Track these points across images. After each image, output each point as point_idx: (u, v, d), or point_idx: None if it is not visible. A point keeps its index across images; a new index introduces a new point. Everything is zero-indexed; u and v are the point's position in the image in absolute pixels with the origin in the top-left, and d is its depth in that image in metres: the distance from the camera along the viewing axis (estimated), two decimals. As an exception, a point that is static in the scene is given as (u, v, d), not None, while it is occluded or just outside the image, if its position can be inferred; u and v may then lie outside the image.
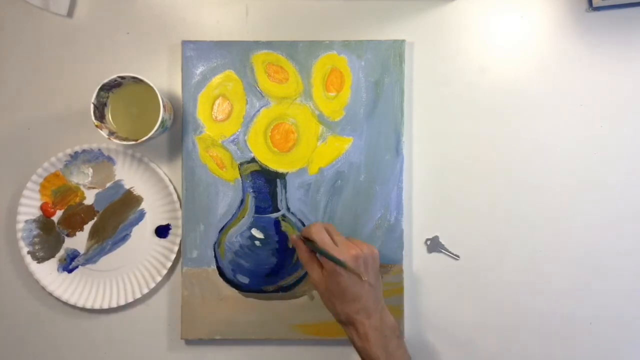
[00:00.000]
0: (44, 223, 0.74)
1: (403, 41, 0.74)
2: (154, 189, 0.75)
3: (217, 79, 0.74)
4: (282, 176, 0.74)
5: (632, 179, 0.75)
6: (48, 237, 0.74)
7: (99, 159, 0.74)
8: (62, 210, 0.75)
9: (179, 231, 0.74)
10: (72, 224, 0.75)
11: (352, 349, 0.75)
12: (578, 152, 0.75)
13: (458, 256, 0.75)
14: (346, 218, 0.74)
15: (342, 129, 0.74)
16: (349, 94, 0.74)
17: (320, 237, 0.65)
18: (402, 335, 0.66)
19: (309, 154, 0.74)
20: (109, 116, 0.71)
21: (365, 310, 0.64)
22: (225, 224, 0.74)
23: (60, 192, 0.74)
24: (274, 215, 0.74)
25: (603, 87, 0.75)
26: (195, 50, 0.74)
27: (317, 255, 0.66)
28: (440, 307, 0.75)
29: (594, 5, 0.74)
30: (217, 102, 0.74)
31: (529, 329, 0.75)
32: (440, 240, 0.75)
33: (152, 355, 0.75)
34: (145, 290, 0.74)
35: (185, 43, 0.74)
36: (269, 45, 0.74)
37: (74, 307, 0.74)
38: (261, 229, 0.74)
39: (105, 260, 0.75)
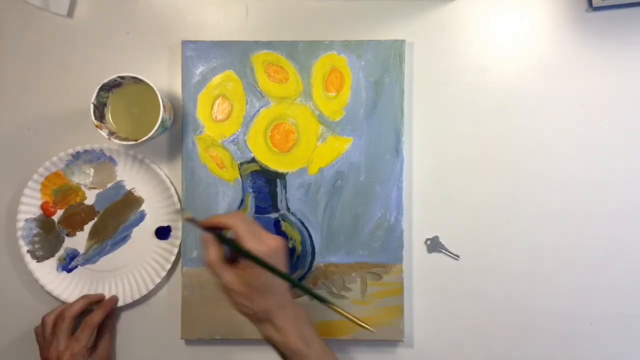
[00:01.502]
0: (44, 222, 0.74)
1: (403, 41, 0.74)
2: (154, 191, 0.75)
3: (217, 79, 0.74)
4: (282, 176, 0.74)
5: (632, 179, 0.74)
6: (48, 236, 0.74)
7: (101, 160, 0.74)
8: (63, 210, 0.75)
9: (179, 232, 0.74)
10: (73, 223, 0.75)
11: (352, 349, 0.75)
12: (578, 152, 0.75)
13: (458, 256, 0.75)
14: (346, 218, 0.74)
15: (342, 129, 0.74)
16: (349, 94, 0.74)
17: (242, 229, 0.61)
18: (311, 322, 0.65)
19: (309, 154, 0.74)
20: (109, 116, 0.71)
21: (281, 302, 0.63)
22: (225, 224, 0.74)
23: (61, 191, 0.74)
24: (274, 215, 0.74)
25: (603, 87, 0.75)
26: (195, 50, 0.74)
27: (228, 250, 0.63)
28: (440, 307, 0.75)
29: (594, 5, 0.74)
30: (217, 102, 0.74)
31: (529, 329, 0.74)
32: (440, 240, 0.75)
33: (152, 355, 0.75)
34: (145, 291, 0.74)
35: (185, 43, 0.74)
36: (269, 45, 0.74)
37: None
38: (261, 229, 0.74)
39: (105, 261, 0.75)
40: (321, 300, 0.64)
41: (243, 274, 0.61)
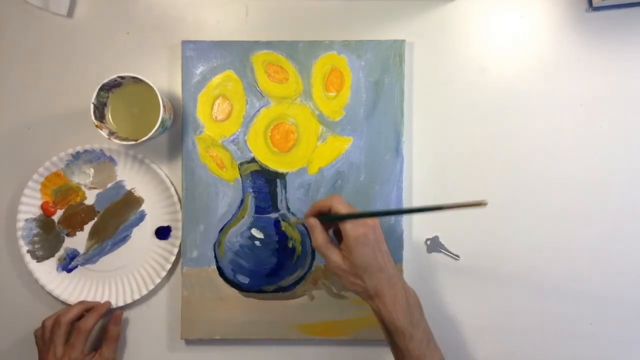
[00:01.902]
0: (44, 222, 0.74)
1: (403, 41, 0.74)
2: (155, 191, 0.75)
3: (217, 79, 0.74)
4: (282, 176, 0.74)
5: (632, 179, 0.74)
6: (48, 236, 0.74)
7: (101, 160, 0.74)
8: (63, 210, 0.75)
9: (179, 232, 0.74)
10: (73, 223, 0.75)
11: (352, 349, 0.75)
12: (578, 152, 0.75)
13: (458, 256, 0.75)
14: (346, 218, 0.74)
15: (342, 129, 0.74)
16: (349, 94, 0.74)
17: (346, 206, 0.64)
18: (421, 307, 0.66)
19: (309, 154, 0.74)
20: (109, 116, 0.71)
21: (389, 279, 0.63)
22: (225, 224, 0.74)
23: (61, 191, 0.74)
24: (274, 215, 0.74)
25: (603, 87, 0.75)
26: (195, 50, 0.74)
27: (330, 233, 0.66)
28: (440, 307, 0.75)
29: (594, 5, 0.74)
30: (217, 102, 0.74)
31: (529, 329, 0.74)
32: (440, 240, 0.75)
33: (152, 355, 0.75)
34: (145, 292, 0.74)
35: (185, 43, 0.74)
36: (269, 45, 0.74)
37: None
38: (261, 229, 0.74)
39: (105, 261, 0.75)
40: (430, 209, 0.62)
41: (348, 255, 0.63)
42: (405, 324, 0.62)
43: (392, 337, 0.64)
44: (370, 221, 0.64)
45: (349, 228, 0.63)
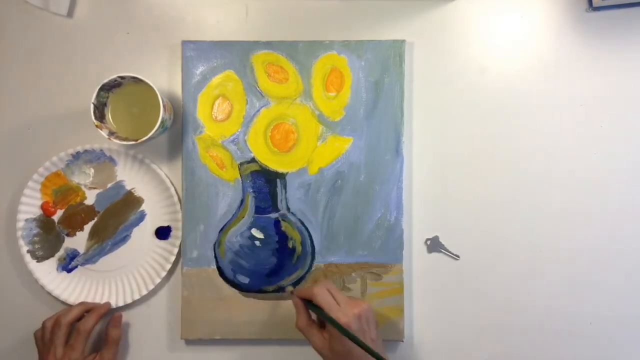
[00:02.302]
0: (44, 222, 0.74)
1: (403, 41, 0.74)
2: (155, 191, 0.75)
3: (217, 79, 0.74)
4: (282, 176, 0.74)
5: (632, 179, 0.75)
6: (48, 236, 0.74)
7: (101, 160, 0.74)
8: (63, 210, 0.75)
9: (179, 232, 0.74)
10: (73, 223, 0.75)
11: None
12: (578, 152, 0.75)
13: (458, 256, 0.75)
14: (346, 218, 0.74)
15: (342, 129, 0.74)
16: (349, 94, 0.74)
17: (326, 300, 0.65)
18: None
19: (309, 154, 0.74)
20: (109, 116, 0.71)
21: None
22: (225, 224, 0.74)
23: (61, 191, 0.74)
24: (274, 215, 0.74)
25: (603, 87, 0.75)
26: (195, 50, 0.74)
27: (315, 316, 0.67)
28: (440, 307, 0.75)
29: (594, 5, 0.74)
30: (217, 102, 0.74)
31: (529, 329, 0.74)
32: (440, 240, 0.75)
33: (152, 355, 0.75)
34: (145, 292, 0.74)
35: (185, 43, 0.74)
36: (269, 45, 0.74)
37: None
38: (261, 229, 0.74)
39: (105, 261, 0.75)
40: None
41: (329, 338, 0.65)
42: None
43: None
44: (356, 308, 0.65)
45: (334, 316, 0.64)
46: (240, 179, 0.74)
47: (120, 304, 0.74)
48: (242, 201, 0.74)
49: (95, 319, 0.71)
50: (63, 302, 0.74)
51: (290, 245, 0.74)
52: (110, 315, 0.74)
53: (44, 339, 0.70)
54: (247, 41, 0.74)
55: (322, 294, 0.65)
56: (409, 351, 0.75)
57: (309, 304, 0.66)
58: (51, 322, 0.70)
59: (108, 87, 0.69)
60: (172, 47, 0.75)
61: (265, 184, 0.74)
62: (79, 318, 0.71)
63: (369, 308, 0.66)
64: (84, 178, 0.75)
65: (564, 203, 0.75)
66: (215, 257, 0.74)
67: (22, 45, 0.76)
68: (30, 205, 0.74)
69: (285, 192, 0.74)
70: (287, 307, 0.74)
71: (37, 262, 0.74)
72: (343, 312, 0.64)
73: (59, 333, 0.69)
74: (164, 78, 0.75)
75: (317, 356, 0.74)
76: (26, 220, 0.74)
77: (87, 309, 0.72)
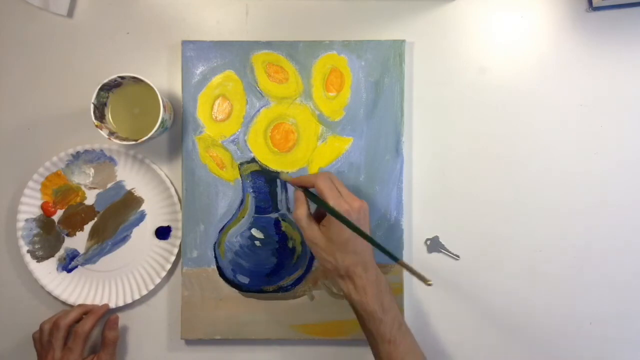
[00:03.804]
0: (44, 222, 0.74)
1: (403, 41, 0.74)
2: (155, 191, 0.75)
3: (217, 79, 0.74)
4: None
5: (632, 179, 0.75)
6: (48, 236, 0.74)
7: (101, 160, 0.74)
8: (63, 210, 0.75)
9: (179, 232, 0.74)
10: (73, 223, 0.75)
11: (352, 349, 0.75)
12: (578, 152, 0.75)
13: (458, 256, 0.75)
14: (346, 218, 0.74)
15: (342, 129, 0.74)
16: (349, 94, 0.74)
17: (328, 186, 0.64)
18: (392, 291, 0.67)
19: (309, 154, 0.74)
20: (109, 116, 0.71)
21: (364, 264, 0.64)
22: (225, 224, 0.74)
23: (61, 191, 0.74)
24: (274, 215, 0.74)
25: (603, 87, 0.75)
26: (195, 50, 0.74)
27: (313, 206, 0.66)
28: (440, 307, 0.75)
29: (594, 5, 0.74)
30: (217, 102, 0.74)
31: (528, 329, 0.74)
32: (440, 240, 0.75)
33: (152, 355, 0.75)
34: (145, 292, 0.74)
35: (185, 43, 0.74)
36: (269, 45, 0.74)
37: (73, 307, 0.74)
38: (261, 229, 0.74)
39: (105, 261, 0.75)
40: (393, 258, 0.63)
41: (325, 230, 0.64)
42: (376, 308, 0.63)
43: (363, 320, 0.64)
44: (357, 202, 0.64)
45: (333, 203, 0.63)
46: (240, 179, 0.74)
47: (120, 304, 0.74)
48: (242, 201, 0.74)
49: (93, 321, 0.71)
50: (63, 302, 0.74)
51: (290, 245, 0.74)
52: (108, 317, 0.74)
53: (42, 342, 0.70)
54: (247, 41, 0.74)
55: (325, 181, 0.64)
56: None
57: (309, 194, 0.65)
58: (49, 324, 0.70)
59: (108, 87, 0.69)
60: (172, 47, 0.75)
61: (265, 184, 0.74)
62: (78, 320, 0.71)
63: (367, 206, 0.65)
64: (84, 178, 0.75)
65: (563, 203, 0.75)
66: (215, 257, 0.74)
67: (22, 45, 0.76)
68: (30, 205, 0.74)
69: (286, 192, 0.74)
70: (287, 307, 0.74)
71: (37, 262, 0.74)
72: (345, 200, 0.63)
73: (57, 335, 0.69)
74: (164, 78, 0.75)
75: (319, 356, 0.75)
76: (26, 220, 0.74)
77: (86, 311, 0.72)
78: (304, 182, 0.66)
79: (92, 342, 0.75)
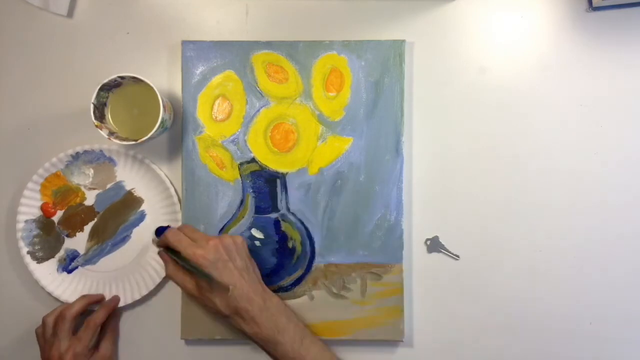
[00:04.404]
0: (44, 223, 0.74)
1: (403, 41, 0.74)
2: (154, 191, 0.75)
3: (217, 79, 0.74)
4: (282, 176, 0.74)
5: (632, 179, 0.75)
6: (48, 237, 0.74)
7: (100, 160, 0.74)
8: (63, 211, 0.75)
9: (179, 232, 0.74)
10: (72, 224, 0.75)
11: (352, 349, 0.75)
12: (578, 152, 0.75)
13: (458, 256, 0.75)
14: (346, 218, 0.74)
15: (342, 129, 0.74)
16: (349, 94, 0.74)
17: (177, 239, 0.67)
18: (289, 309, 0.69)
19: (308, 154, 0.74)
20: (109, 116, 0.71)
21: (245, 296, 0.65)
22: (225, 224, 0.74)
23: (60, 192, 0.74)
24: (274, 215, 0.74)
25: (603, 87, 0.75)
26: (195, 50, 0.74)
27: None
28: (440, 307, 0.75)
29: (594, 5, 0.74)
30: (217, 102, 0.74)
31: (529, 329, 0.74)
32: (440, 240, 0.75)
33: (152, 355, 0.75)
34: (145, 292, 0.74)
35: (185, 43, 0.74)
36: (269, 45, 0.74)
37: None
38: (261, 229, 0.74)
39: (105, 261, 0.75)
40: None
41: (197, 280, 0.66)
42: (270, 333, 0.65)
43: (263, 348, 0.66)
44: (213, 240, 0.66)
45: (185, 253, 0.65)
46: (240, 179, 0.74)
47: (121, 304, 0.74)
48: (242, 201, 0.74)
49: (105, 314, 0.72)
50: (63, 303, 0.74)
51: (290, 245, 0.74)
52: (119, 310, 0.75)
53: (45, 335, 0.70)
54: (247, 41, 0.74)
55: (173, 235, 0.67)
56: (409, 351, 0.75)
57: (170, 251, 0.68)
58: (53, 317, 0.70)
59: (108, 87, 0.69)
60: (172, 47, 0.75)
61: (265, 184, 0.74)
62: (83, 311, 0.72)
63: (234, 240, 0.67)
64: (84, 179, 0.75)
65: (563, 203, 0.75)
66: (215, 257, 0.74)
67: (22, 45, 0.76)
68: (30, 206, 0.74)
69: (285, 192, 0.74)
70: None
71: (37, 263, 0.74)
72: (198, 245, 0.65)
73: (63, 327, 0.69)
74: (164, 78, 0.75)
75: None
76: (26, 221, 0.74)
77: (90, 302, 0.73)
78: (161, 243, 0.69)
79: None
